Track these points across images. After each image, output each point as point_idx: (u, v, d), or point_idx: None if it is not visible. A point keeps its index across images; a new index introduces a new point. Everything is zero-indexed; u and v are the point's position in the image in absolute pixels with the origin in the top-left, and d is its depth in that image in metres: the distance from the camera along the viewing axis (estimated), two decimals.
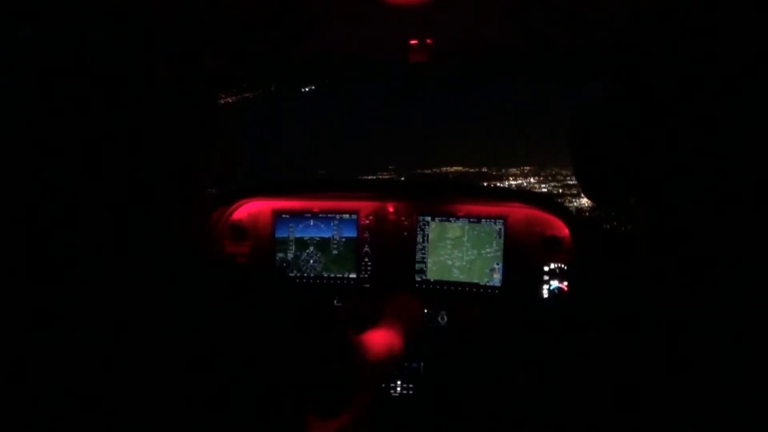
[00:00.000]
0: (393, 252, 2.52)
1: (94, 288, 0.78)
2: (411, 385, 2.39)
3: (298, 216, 2.56)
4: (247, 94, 2.13)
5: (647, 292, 0.83)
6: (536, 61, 1.81)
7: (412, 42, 1.66)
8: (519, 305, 2.35)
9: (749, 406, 0.67)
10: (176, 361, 0.78)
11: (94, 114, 0.81)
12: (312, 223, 2.56)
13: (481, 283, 2.42)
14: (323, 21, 1.42)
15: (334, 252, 2.56)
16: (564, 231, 2.37)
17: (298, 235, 2.56)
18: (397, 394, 2.39)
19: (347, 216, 2.55)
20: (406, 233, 2.52)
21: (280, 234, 2.57)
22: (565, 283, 2.33)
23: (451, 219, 2.47)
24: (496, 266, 2.41)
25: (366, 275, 2.54)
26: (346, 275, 2.55)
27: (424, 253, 2.50)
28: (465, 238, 2.45)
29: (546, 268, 2.34)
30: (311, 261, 2.56)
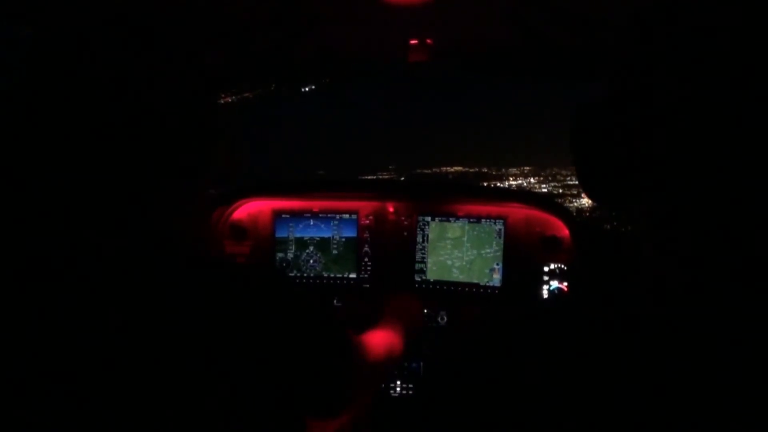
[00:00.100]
0: (393, 252, 2.52)
1: (94, 288, 0.78)
2: (411, 385, 2.39)
3: (298, 216, 2.57)
4: (247, 94, 2.13)
5: (647, 293, 0.83)
6: (536, 61, 1.81)
7: (412, 42, 1.67)
8: (519, 305, 2.35)
9: (750, 407, 0.67)
10: (176, 361, 0.78)
11: (93, 114, 0.81)
12: (312, 223, 2.56)
13: (481, 283, 2.42)
14: (323, 21, 1.42)
15: (334, 252, 2.56)
16: (564, 231, 2.37)
17: (298, 235, 2.56)
18: (397, 394, 2.39)
19: (347, 216, 2.55)
20: (406, 233, 2.52)
21: (280, 234, 2.57)
22: (565, 284, 2.33)
23: (451, 219, 2.47)
24: (495, 266, 2.41)
25: (366, 275, 2.54)
26: (345, 275, 2.55)
27: (423, 253, 2.50)
28: (465, 238, 2.45)
29: (546, 269, 2.34)
30: (311, 261, 2.56)
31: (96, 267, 0.80)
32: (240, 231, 2.56)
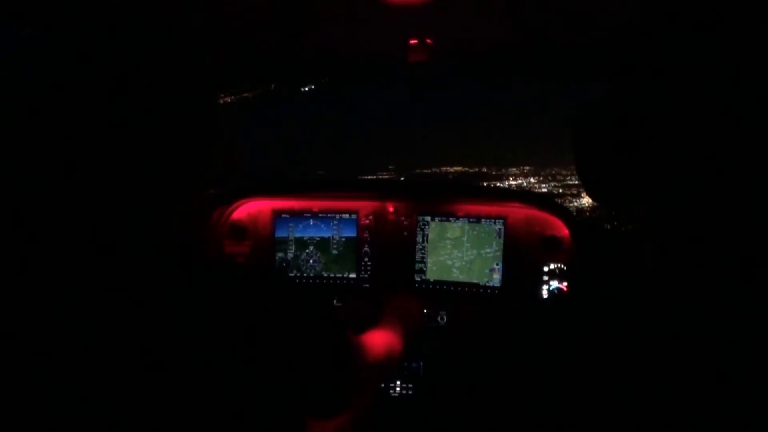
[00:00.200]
0: (393, 252, 2.52)
1: (93, 288, 0.78)
2: (411, 385, 2.39)
3: (297, 216, 2.57)
4: (247, 94, 2.13)
5: (647, 293, 0.83)
6: (536, 60, 1.81)
7: (412, 42, 1.66)
8: (518, 305, 2.35)
9: (750, 407, 0.67)
10: (176, 361, 0.78)
11: (93, 114, 0.81)
12: (312, 223, 2.56)
13: (481, 283, 2.42)
14: (323, 20, 1.42)
15: (334, 252, 2.56)
16: (564, 231, 2.37)
17: (297, 235, 2.56)
18: (396, 394, 2.39)
19: (347, 216, 2.55)
20: (405, 233, 2.52)
21: (280, 234, 2.57)
22: (565, 284, 2.33)
23: (450, 219, 2.47)
24: (495, 266, 2.41)
25: (366, 275, 2.54)
26: (345, 275, 2.55)
27: (423, 253, 2.50)
28: (465, 238, 2.45)
29: (546, 269, 2.35)
30: (311, 261, 2.56)
31: (96, 267, 0.80)
32: (240, 231, 2.56)
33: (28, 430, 0.74)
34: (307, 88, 2.15)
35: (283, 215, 2.57)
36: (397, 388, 2.39)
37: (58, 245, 0.80)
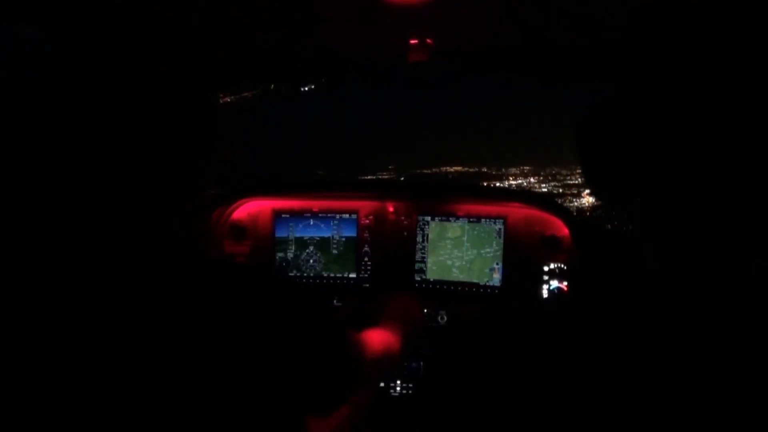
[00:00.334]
0: (393, 252, 2.52)
1: (93, 288, 0.78)
2: (411, 385, 2.39)
3: (297, 216, 2.57)
4: (247, 94, 2.13)
5: (647, 293, 0.83)
6: (536, 60, 1.81)
7: (412, 42, 1.66)
8: (518, 305, 2.35)
9: (750, 407, 0.67)
10: (176, 360, 0.78)
11: (93, 114, 0.81)
12: (312, 223, 2.56)
13: (481, 283, 2.42)
14: (323, 20, 1.42)
15: (334, 252, 2.56)
16: (564, 231, 2.37)
17: (297, 235, 2.56)
18: (396, 394, 2.39)
19: (347, 216, 2.55)
20: (405, 233, 2.52)
21: (280, 233, 2.57)
22: (565, 283, 2.33)
23: (450, 219, 2.47)
24: (495, 266, 2.41)
25: (366, 275, 2.54)
26: (345, 275, 2.55)
27: (423, 253, 2.50)
28: (465, 238, 2.45)
29: (546, 268, 2.35)
30: (311, 261, 2.56)
31: (96, 267, 0.80)
32: (240, 231, 2.56)
33: (28, 430, 0.74)
34: (307, 88, 2.15)
35: (283, 215, 2.57)
36: (397, 388, 2.39)
37: (58, 245, 0.80)
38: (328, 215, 2.56)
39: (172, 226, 0.93)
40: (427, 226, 2.50)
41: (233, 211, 2.61)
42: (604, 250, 2.20)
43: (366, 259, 2.54)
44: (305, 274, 2.55)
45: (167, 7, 1.21)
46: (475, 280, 2.43)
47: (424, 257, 2.50)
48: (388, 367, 1.34)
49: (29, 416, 0.74)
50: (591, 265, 2.23)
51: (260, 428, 0.88)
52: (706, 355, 0.71)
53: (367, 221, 2.54)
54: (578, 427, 0.79)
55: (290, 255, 2.56)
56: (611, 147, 0.85)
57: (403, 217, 2.53)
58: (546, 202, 2.44)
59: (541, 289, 2.34)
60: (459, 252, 2.46)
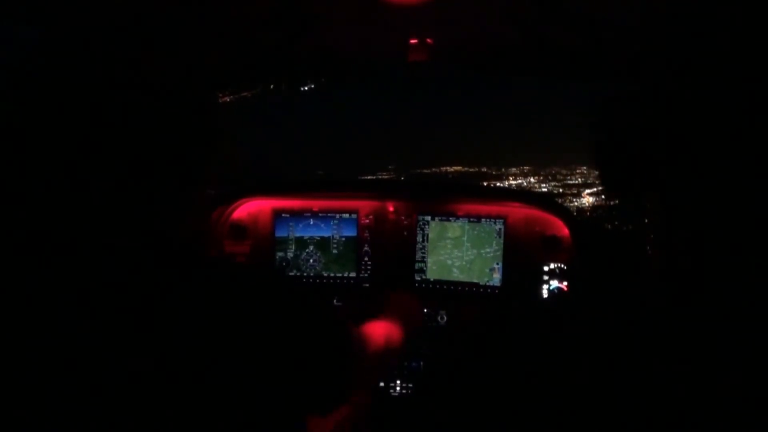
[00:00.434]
0: (393, 251, 2.52)
1: (93, 288, 0.78)
2: (411, 385, 2.39)
3: (298, 215, 2.56)
4: (246, 94, 2.13)
5: (648, 292, 0.83)
6: (536, 60, 1.81)
7: (412, 41, 1.66)
8: (519, 305, 2.35)
9: (750, 407, 0.67)
10: (176, 360, 0.78)
11: (93, 114, 0.81)
12: (312, 223, 2.56)
13: (481, 283, 2.42)
14: (323, 20, 1.42)
15: (334, 251, 2.56)
16: (564, 231, 2.37)
17: (298, 235, 2.56)
18: (396, 394, 2.39)
19: (347, 215, 2.55)
20: (405, 233, 2.52)
21: (280, 233, 2.57)
22: (565, 283, 2.33)
23: (450, 219, 2.47)
24: (495, 266, 2.41)
25: (366, 275, 2.54)
26: (345, 275, 2.55)
27: (423, 253, 2.50)
28: (465, 238, 2.45)
29: (546, 268, 2.34)
30: (311, 260, 2.56)
31: (96, 267, 0.80)
32: (240, 230, 2.56)
33: (28, 430, 0.74)
34: (306, 88, 2.15)
35: (283, 215, 2.57)
36: (397, 388, 2.39)
37: (58, 245, 0.80)
38: (328, 215, 2.56)
39: (172, 225, 0.93)
40: (427, 226, 2.50)
41: (233, 210, 2.61)
42: (604, 250, 2.20)
43: (366, 258, 2.54)
44: (305, 274, 2.55)
45: (167, 7, 1.21)
46: (475, 280, 2.43)
47: (424, 257, 2.50)
48: (390, 361, 1.34)
49: (29, 416, 0.74)
50: (591, 265, 2.23)
51: (260, 428, 0.88)
52: (706, 355, 0.71)
53: (367, 221, 2.54)
54: (578, 427, 0.79)
55: (290, 255, 2.56)
56: (627, 140, 0.85)
57: (403, 217, 2.53)
58: (546, 202, 2.44)
59: (541, 289, 2.34)
60: (459, 252, 2.46)
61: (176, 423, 0.77)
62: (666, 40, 0.73)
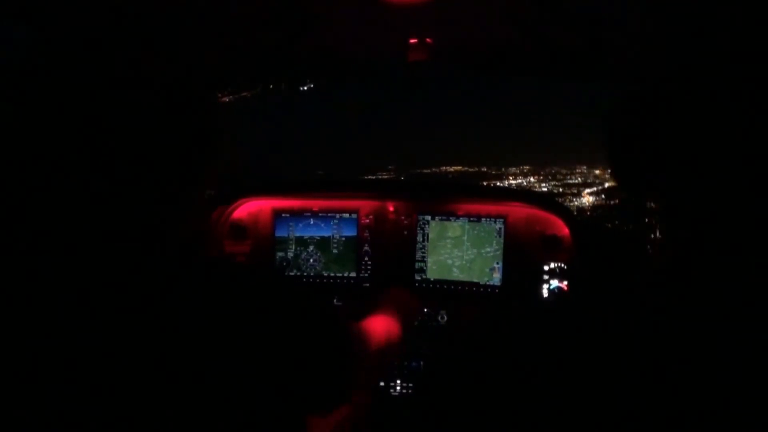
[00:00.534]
0: (393, 251, 2.52)
1: (93, 288, 0.78)
2: (411, 385, 2.39)
3: (298, 215, 2.57)
4: (246, 94, 2.13)
5: (648, 292, 0.83)
6: (536, 60, 1.81)
7: (412, 41, 1.66)
8: (519, 304, 2.35)
9: (750, 406, 0.67)
10: (176, 360, 0.78)
11: (92, 114, 0.81)
12: (312, 222, 2.56)
13: (481, 283, 2.42)
14: (323, 20, 1.42)
15: (334, 251, 2.56)
16: (564, 230, 2.37)
17: (298, 234, 2.56)
18: (396, 394, 2.39)
19: (347, 215, 2.55)
20: (405, 232, 2.52)
21: (280, 233, 2.57)
22: (565, 283, 2.33)
23: (451, 218, 2.47)
24: (496, 265, 2.41)
25: (366, 274, 2.54)
26: (346, 274, 2.55)
27: (424, 253, 2.50)
28: (465, 238, 2.45)
29: (546, 268, 2.34)
30: (311, 260, 2.56)
31: (96, 267, 0.80)
32: (240, 230, 2.56)
33: (28, 430, 0.74)
34: (306, 88, 2.15)
35: (283, 214, 2.57)
36: (397, 388, 2.39)
37: (58, 245, 0.80)
38: (329, 215, 2.56)
39: (172, 225, 0.93)
40: (427, 226, 2.50)
41: (233, 210, 2.61)
42: (605, 250, 2.20)
43: (366, 258, 2.54)
44: (305, 274, 2.55)
45: (167, 7, 1.21)
46: (476, 280, 2.43)
47: (424, 257, 2.50)
48: (391, 357, 1.34)
49: (29, 416, 0.74)
50: (591, 264, 2.23)
51: (260, 428, 0.88)
52: (706, 355, 0.71)
53: (368, 221, 2.54)
54: (578, 426, 0.79)
55: (290, 254, 2.56)
56: (641, 137, 0.85)
57: (403, 217, 2.53)
58: (546, 201, 2.44)
59: (542, 288, 2.34)
60: (459, 251, 2.46)
61: (176, 423, 0.77)
62: (666, 40, 0.73)
